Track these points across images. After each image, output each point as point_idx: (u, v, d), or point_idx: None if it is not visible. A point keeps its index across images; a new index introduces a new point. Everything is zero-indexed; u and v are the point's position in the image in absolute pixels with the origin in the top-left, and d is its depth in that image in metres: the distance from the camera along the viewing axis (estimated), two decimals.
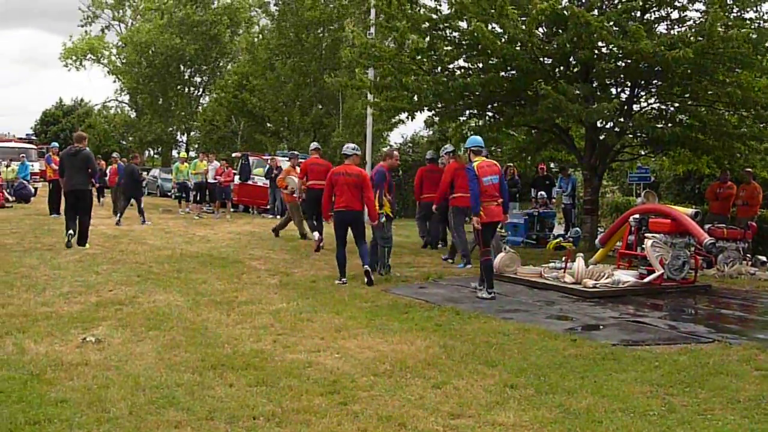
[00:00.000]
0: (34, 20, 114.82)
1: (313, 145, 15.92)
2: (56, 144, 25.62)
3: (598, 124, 15.32)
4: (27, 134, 44.30)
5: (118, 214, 19.69)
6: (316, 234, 14.64)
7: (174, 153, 55.82)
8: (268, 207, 24.39)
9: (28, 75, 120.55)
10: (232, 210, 24.37)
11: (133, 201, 20.72)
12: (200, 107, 50.92)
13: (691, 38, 12.97)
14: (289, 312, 8.51)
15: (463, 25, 14.96)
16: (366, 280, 10.70)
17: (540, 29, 14.51)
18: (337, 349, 6.85)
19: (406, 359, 6.52)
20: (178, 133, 52.48)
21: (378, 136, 31.82)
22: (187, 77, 50.14)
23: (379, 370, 6.18)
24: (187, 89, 51.01)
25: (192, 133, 51.44)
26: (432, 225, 15.60)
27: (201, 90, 51.83)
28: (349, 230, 11.19)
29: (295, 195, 15.68)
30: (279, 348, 6.87)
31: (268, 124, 37.98)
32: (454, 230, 13.65)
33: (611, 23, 13.66)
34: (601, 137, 15.68)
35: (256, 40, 39.01)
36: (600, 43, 13.72)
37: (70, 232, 13.76)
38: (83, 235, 13.93)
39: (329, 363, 6.39)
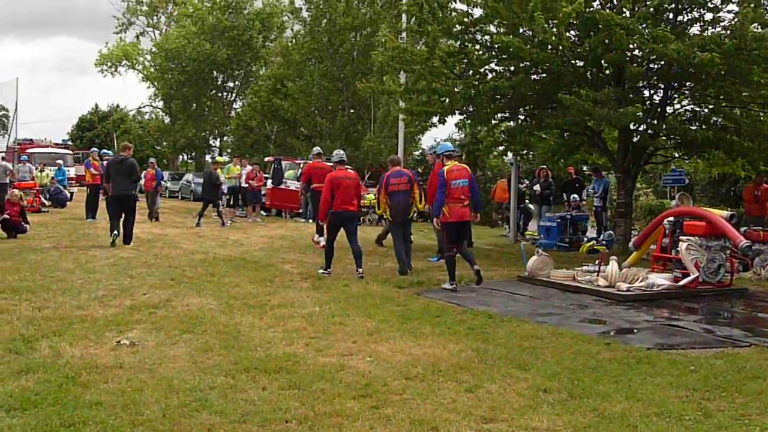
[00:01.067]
0: (71, 28, 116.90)
1: (315, 150, 16.54)
2: (96, 149, 25.95)
3: (631, 127, 15.17)
4: (63, 140, 44.97)
5: (198, 217, 20.31)
6: (321, 239, 14.79)
7: (208, 158, 56.30)
8: (301, 211, 24.45)
9: (66, 82, 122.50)
10: (264, 214, 24.48)
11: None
12: (233, 112, 51.23)
13: (725, 39, 12.81)
14: (322, 315, 8.51)
15: (493, 29, 14.94)
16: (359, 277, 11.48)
17: (571, 32, 14.43)
18: (369, 353, 6.84)
19: (439, 363, 6.49)
20: (211, 138, 52.82)
21: (410, 140, 31.78)
22: (219, 82, 50.46)
23: (411, 374, 6.16)
24: (220, 94, 51.35)
25: (225, 138, 51.76)
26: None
27: (234, 95, 52.14)
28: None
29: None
30: (311, 351, 6.88)
31: (301, 129, 38.13)
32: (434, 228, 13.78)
33: (642, 26, 13.56)
34: (635, 140, 15.55)
35: (290, 44, 39.18)
36: (631, 46, 13.60)
37: (115, 232, 14.76)
38: (128, 235, 15.07)
39: (361, 366, 6.38)
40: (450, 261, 10.87)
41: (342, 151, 12.77)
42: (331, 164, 12.93)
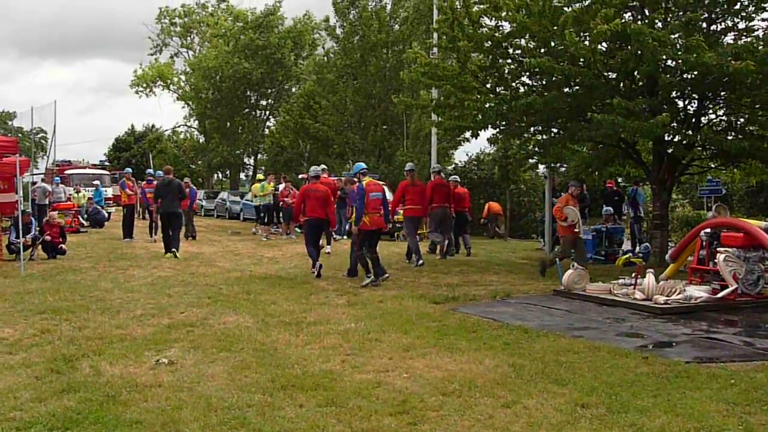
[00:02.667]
0: (108, 50, 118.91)
1: (318, 169, 16.31)
2: (130, 170, 26.26)
3: (666, 138, 15.05)
4: (101, 160, 45.67)
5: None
6: (328, 247, 17.04)
7: (242, 176, 56.79)
8: (335, 228, 24.49)
9: (103, 103, 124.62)
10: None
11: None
12: (266, 130, 51.64)
13: (759, 47, 12.69)
14: (358, 332, 8.53)
15: (524, 43, 14.95)
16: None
17: (602, 45, 14.37)
18: (405, 369, 6.84)
19: (475, 378, 6.47)
20: (245, 156, 53.25)
21: (443, 154, 31.85)
22: (253, 101, 50.91)
23: (447, 390, 6.15)
24: (253, 113, 51.80)
25: (259, 156, 52.16)
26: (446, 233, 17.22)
27: (267, 113, 52.56)
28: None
29: (576, 229, 13.63)
30: (348, 368, 6.89)
31: (334, 146, 38.35)
32: (408, 235, 16.41)
33: (675, 35, 13.47)
34: (669, 151, 15.41)
35: (323, 60, 39.53)
36: (663, 57, 13.51)
37: (173, 250, 16.73)
38: (176, 245, 16.98)
39: (398, 383, 6.38)
40: (362, 259, 12.57)
41: (318, 168, 14.71)
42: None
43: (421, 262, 15.00)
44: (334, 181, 18.43)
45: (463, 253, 18.29)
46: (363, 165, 13.71)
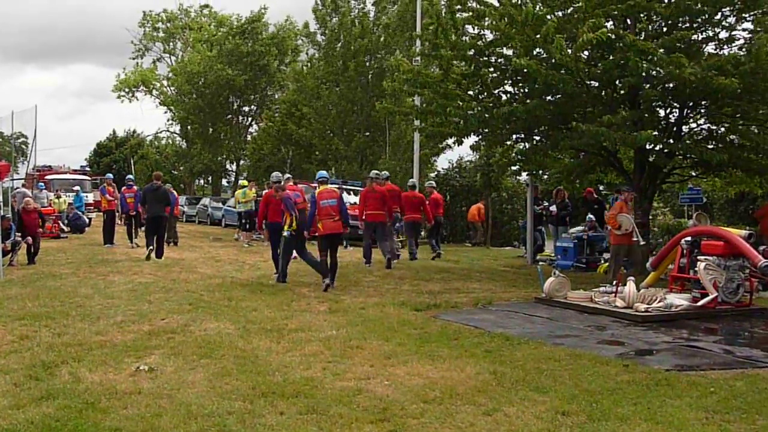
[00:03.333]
0: (92, 55, 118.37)
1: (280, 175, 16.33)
2: (111, 175, 26.08)
3: (647, 147, 15.13)
4: (81, 166, 45.30)
5: None
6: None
7: (224, 182, 56.61)
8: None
9: (84, 108, 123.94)
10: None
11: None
12: (249, 136, 51.52)
13: (742, 59, 12.79)
14: (339, 339, 8.52)
15: (507, 52, 15.00)
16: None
17: (584, 53, 14.45)
18: (386, 376, 6.84)
19: (456, 386, 6.48)
20: (227, 162, 53.11)
21: (425, 161, 31.89)
22: (236, 107, 50.80)
23: (429, 397, 6.15)
24: (236, 119, 51.68)
25: (241, 162, 52.02)
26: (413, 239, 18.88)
27: (250, 119, 52.46)
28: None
29: (634, 238, 13.34)
30: (329, 375, 6.88)
31: (316, 153, 38.32)
32: (364, 238, 17.41)
33: (656, 41, 13.56)
34: (651, 159, 15.50)
35: (304, 68, 39.49)
36: (646, 66, 13.59)
37: (151, 248, 17.14)
38: (160, 249, 17.54)
39: (379, 390, 6.38)
40: (323, 265, 13.12)
41: (279, 174, 15.27)
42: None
43: (369, 265, 16.43)
44: (301, 189, 18.77)
45: (427, 257, 18.99)
46: (323, 173, 14.52)
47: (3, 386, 6.45)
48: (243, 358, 7.57)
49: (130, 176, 25.12)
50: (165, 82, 58.19)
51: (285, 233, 13.51)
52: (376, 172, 18.29)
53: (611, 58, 13.45)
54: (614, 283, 11.45)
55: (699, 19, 14.38)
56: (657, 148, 15.21)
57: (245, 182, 27.22)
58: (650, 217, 18.03)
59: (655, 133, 14.24)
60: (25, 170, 40.53)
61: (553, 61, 13.61)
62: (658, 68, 13.19)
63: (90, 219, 29.96)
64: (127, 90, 58.57)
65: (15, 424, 5.47)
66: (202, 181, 61.02)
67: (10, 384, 6.52)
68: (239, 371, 6.98)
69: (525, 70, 13.77)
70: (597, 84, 14.74)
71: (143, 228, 20.84)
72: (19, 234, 16.47)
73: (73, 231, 26.42)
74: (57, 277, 14.08)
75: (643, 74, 13.48)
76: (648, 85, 13.87)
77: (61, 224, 25.58)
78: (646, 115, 14.56)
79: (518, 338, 8.65)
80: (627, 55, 12.81)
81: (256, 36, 46.97)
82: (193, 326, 9.25)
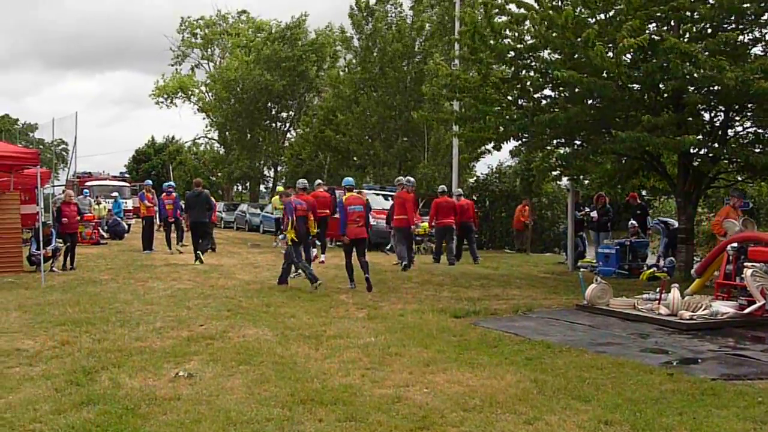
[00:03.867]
0: (131, 62, 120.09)
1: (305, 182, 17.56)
2: (150, 182, 26.39)
3: (691, 151, 14.95)
4: (121, 172, 45.89)
5: None
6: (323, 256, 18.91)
7: (262, 188, 57.00)
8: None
9: (124, 115, 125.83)
10: (318, 243, 24.52)
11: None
12: (287, 142, 51.79)
13: None
14: (377, 346, 8.53)
15: (546, 56, 14.92)
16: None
17: (626, 56, 14.32)
18: (425, 384, 6.83)
19: (497, 394, 6.45)
20: (265, 168, 53.43)
21: (464, 166, 31.80)
22: (274, 113, 51.08)
23: (468, 406, 6.13)
24: (274, 124, 51.97)
25: (279, 168, 52.31)
26: (449, 244, 19.53)
27: (288, 125, 52.73)
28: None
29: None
30: (367, 382, 6.89)
31: (354, 158, 38.41)
32: (396, 243, 18.60)
33: (701, 44, 13.38)
34: (695, 163, 15.31)
35: (341, 73, 39.61)
36: (690, 70, 13.43)
37: (198, 252, 18.24)
38: (203, 251, 18.55)
39: (418, 398, 6.37)
40: (347, 263, 13.98)
41: (304, 181, 16.40)
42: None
43: (409, 267, 17.12)
44: (329, 196, 20.37)
45: (466, 263, 19.36)
46: (350, 180, 15.54)
47: (44, 391, 6.55)
48: (281, 364, 7.60)
49: (170, 183, 25.41)
50: (203, 88, 58.82)
51: (287, 239, 14.05)
52: (408, 178, 19.26)
53: (653, 61, 13.31)
54: (658, 290, 11.31)
55: (745, 20, 14.18)
56: (701, 152, 15.03)
57: (281, 188, 27.38)
58: (694, 223, 17.78)
59: (699, 137, 14.05)
60: (66, 177, 41.25)
61: (594, 65, 13.52)
62: (701, 71, 13.02)
63: (129, 225, 30.35)
64: (165, 96, 59.29)
65: (56, 429, 5.55)
66: (240, 187, 61.47)
67: (51, 389, 6.62)
68: (278, 378, 7.02)
69: (567, 79, 13.69)
70: (639, 87, 14.59)
71: (183, 234, 21.33)
72: (60, 240, 16.75)
73: (112, 237, 26.80)
74: (97, 283, 14.29)
75: (687, 77, 13.33)
76: (692, 89, 13.70)
77: (100, 230, 25.93)
78: (690, 118, 14.39)
79: (559, 346, 8.59)
80: (669, 58, 12.67)
81: (295, 42, 47.22)
82: (232, 332, 9.32)
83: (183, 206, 21.25)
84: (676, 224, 17.57)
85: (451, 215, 19.34)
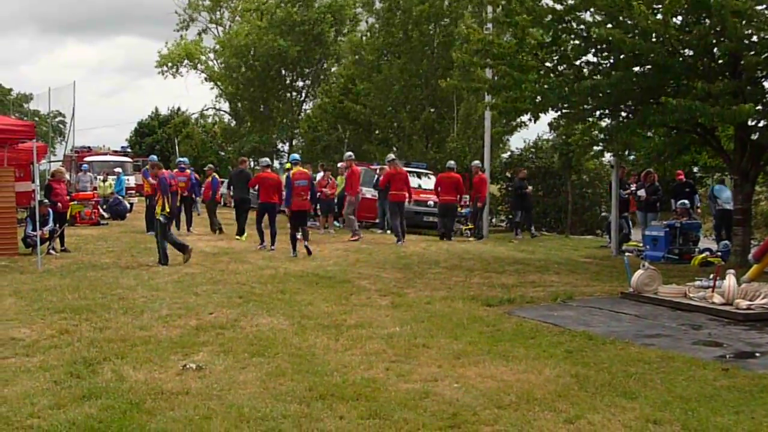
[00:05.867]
0: (134, 26, 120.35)
1: (390, 156, 20.86)
2: (154, 157, 26.39)
3: (749, 122, 14.77)
4: (122, 147, 46.01)
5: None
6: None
7: (277, 163, 57.04)
8: (377, 221, 24.49)
9: (127, 85, 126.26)
10: (337, 225, 24.62)
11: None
12: (303, 114, 51.75)
13: None
14: (403, 337, 8.54)
15: (589, 17, 14.77)
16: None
17: (678, 18, 14.15)
18: (456, 378, 6.83)
19: (534, 390, 6.44)
20: (279, 142, 53.41)
21: (497, 141, 31.65)
22: (288, 81, 50.99)
23: (503, 402, 6.13)
24: (288, 94, 51.90)
25: (294, 142, 52.31)
26: (447, 220, 21.65)
27: (304, 95, 52.64)
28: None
29: None
30: (392, 376, 6.90)
31: (376, 131, 38.30)
32: (390, 217, 20.78)
33: (763, 6, 13.19)
34: (753, 137, 15.14)
35: (364, 38, 39.43)
36: (747, 32, 13.25)
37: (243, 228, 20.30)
38: (242, 228, 20.40)
39: (448, 393, 6.37)
40: (293, 238, 16.59)
41: (267, 159, 19.73)
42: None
43: (400, 242, 19.20)
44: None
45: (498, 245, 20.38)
46: (297, 156, 19.32)
47: (43, 384, 6.62)
48: (298, 356, 7.63)
49: (183, 159, 25.48)
50: (211, 56, 58.79)
51: (159, 217, 15.00)
52: (392, 155, 22.02)
53: (707, 21, 13.13)
54: (711, 276, 11.24)
55: None
56: (760, 123, 14.85)
57: (289, 165, 27.40)
58: (752, 203, 17.62)
59: (759, 107, 13.86)
60: (63, 151, 41.46)
61: (641, 27, 13.37)
62: (760, 33, 12.84)
63: (132, 204, 30.43)
64: (170, 65, 59.24)
65: (55, 425, 5.60)
66: (252, 163, 61.61)
67: (50, 382, 6.69)
68: (294, 371, 7.04)
69: (609, 40, 13.56)
70: (691, 53, 14.42)
71: (192, 218, 21.80)
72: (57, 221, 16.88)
73: (113, 217, 26.85)
74: (97, 267, 14.40)
75: (744, 41, 13.14)
76: (751, 53, 13.52)
77: (100, 210, 26.01)
78: (749, 87, 14.20)
79: (603, 337, 8.56)
80: (723, 16, 12.48)
81: (311, 3, 47.00)
82: (244, 321, 9.37)
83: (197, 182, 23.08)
84: (728, 204, 17.50)
85: (453, 192, 21.23)
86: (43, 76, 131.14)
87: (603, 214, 23.14)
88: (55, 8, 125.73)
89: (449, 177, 21.27)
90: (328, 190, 23.14)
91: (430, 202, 23.46)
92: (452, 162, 22.76)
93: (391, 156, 21.66)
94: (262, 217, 18.09)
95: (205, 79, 58.98)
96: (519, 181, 24.67)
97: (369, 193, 24.89)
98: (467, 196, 23.23)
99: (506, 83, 15.94)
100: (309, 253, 16.16)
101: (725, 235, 17.86)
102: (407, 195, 20.16)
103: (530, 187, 24.47)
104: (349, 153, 22.75)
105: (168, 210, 15.08)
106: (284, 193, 17.56)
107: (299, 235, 16.72)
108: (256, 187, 19.39)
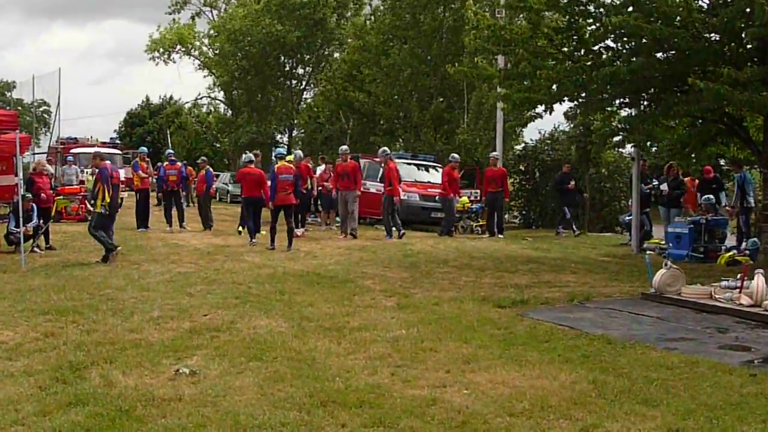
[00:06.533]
0: (125, 9, 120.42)
1: (247, 157, 20.45)
2: (144, 149, 26.41)
3: None
4: (111, 138, 46.19)
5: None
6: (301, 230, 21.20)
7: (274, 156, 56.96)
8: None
9: (117, 71, 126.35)
10: (338, 220, 24.59)
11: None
12: (303, 103, 51.74)
13: None
14: (409, 340, 8.54)
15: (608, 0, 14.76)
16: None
17: (703, 1, 14.11)
18: (465, 384, 6.84)
19: (548, 397, 6.45)
20: (278, 133, 53.42)
21: (510, 132, 31.64)
22: (288, 69, 50.98)
23: (515, 410, 6.13)
24: (288, 82, 51.89)
25: (294, 133, 52.35)
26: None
27: (304, 83, 52.61)
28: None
29: None
30: (398, 382, 6.91)
31: (381, 122, 38.30)
32: (384, 212, 21.09)
33: None
34: None
35: (367, 22, 39.45)
36: None
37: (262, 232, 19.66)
38: (257, 227, 19.63)
39: (457, 400, 6.38)
40: (271, 226, 17.90)
41: (250, 154, 20.44)
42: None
43: (389, 238, 20.11)
44: (306, 165, 22.63)
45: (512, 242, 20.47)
46: (282, 150, 21.01)
47: (27, 389, 6.64)
48: (298, 360, 7.65)
49: (171, 150, 25.48)
50: (205, 41, 58.73)
51: (100, 209, 15.09)
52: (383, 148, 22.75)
53: (732, 5, 13.10)
54: (739, 276, 11.23)
55: None
56: None
57: (290, 157, 27.41)
58: None
59: None
60: (48, 143, 41.54)
61: (663, 11, 13.34)
62: None
63: (122, 199, 30.39)
64: (161, 50, 59.15)
65: None
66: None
67: (34, 387, 6.71)
68: (294, 376, 7.06)
69: (627, 27, 13.53)
70: (718, 37, 14.38)
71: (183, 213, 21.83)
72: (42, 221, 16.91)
73: None
74: (85, 266, 14.44)
75: None
76: None
77: (88, 205, 25.98)
78: None
79: (622, 341, 8.55)
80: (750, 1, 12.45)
81: None
82: (241, 323, 9.38)
83: (186, 175, 23.29)
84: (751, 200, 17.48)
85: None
86: (28, 63, 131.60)
87: (624, 217, 23.06)
88: None
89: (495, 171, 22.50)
90: (329, 185, 23.09)
91: (438, 197, 23.43)
92: (455, 155, 23.31)
93: (386, 150, 22.22)
94: (247, 212, 19.27)
95: (199, 66, 59.06)
96: (562, 175, 24.34)
97: (374, 187, 24.82)
98: (477, 191, 23.28)
99: (521, 70, 15.91)
100: (289, 245, 17.33)
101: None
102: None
103: (573, 182, 24.17)
104: (344, 147, 23.06)
105: (108, 202, 15.08)
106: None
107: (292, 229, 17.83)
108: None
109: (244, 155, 21.08)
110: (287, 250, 16.91)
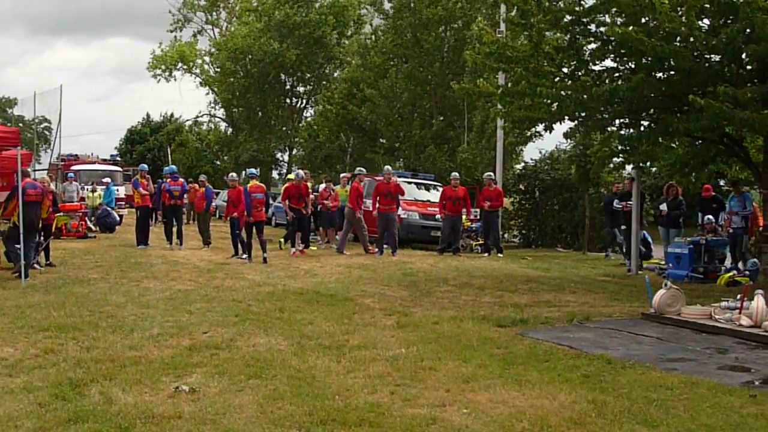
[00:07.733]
0: (126, 27, 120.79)
1: (232, 176, 21.29)
2: (145, 166, 26.39)
3: None
4: (112, 155, 46.11)
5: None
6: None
7: (275, 174, 57.02)
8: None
9: (118, 89, 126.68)
10: (337, 238, 24.57)
11: None
12: (303, 121, 51.78)
13: None
14: (409, 359, 8.54)
15: (609, 19, 14.80)
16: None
17: (704, 20, 14.16)
18: (465, 404, 6.84)
19: (548, 416, 6.45)
20: (278, 151, 53.44)
21: (511, 151, 31.67)
22: (288, 87, 51.07)
23: (515, 429, 6.14)
24: (288, 100, 51.96)
25: (294, 151, 52.38)
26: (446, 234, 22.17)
27: (304, 101, 52.67)
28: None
29: None
30: (398, 401, 6.91)
31: (381, 140, 38.35)
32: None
33: None
34: None
35: (368, 41, 39.55)
36: None
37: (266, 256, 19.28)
38: (263, 248, 19.55)
39: (456, 420, 6.38)
40: (247, 243, 19.27)
41: (233, 174, 21.65)
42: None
43: (379, 254, 20.53)
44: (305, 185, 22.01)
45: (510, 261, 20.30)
46: (254, 171, 24.48)
47: (26, 406, 6.63)
48: (297, 378, 7.65)
49: (172, 167, 25.47)
50: (207, 59, 58.83)
51: (9, 225, 15.46)
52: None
53: (735, 24, 13.15)
54: (738, 297, 11.23)
55: None
56: None
57: (292, 176, 27.43)
58: None
59: None
60: (49, 159, 41.56)
61: (664, 30, 13.39)
62: None
63: (121, 216, 30.45)
64: (163, 68, 59.20)
65: None
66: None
67: (34, 404, 6.70)
68: (293, 394, 7.06)
69: (628, 43, 13.57)
70: (718, 57, 14.43)
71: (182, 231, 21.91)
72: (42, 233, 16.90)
73: (101, 230, 26.87)
74: (84, 282, 14.43)
75: None
76: None
77: (88, 222, 26.03)
78: None
79: (622, 361, 8.55)
80: (752, 17, 12.48)
81: (311, 4, 47.06)
82: (240, 341, 9.39)
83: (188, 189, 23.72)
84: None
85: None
86: (30, 80, 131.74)
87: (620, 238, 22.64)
88: (45, 8, 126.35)
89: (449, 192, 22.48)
90: (330, 203, 23.12)
91: (438, 216, 23.33)
92: (455, 174, 23.23)
93: (388, 168, 22.87)
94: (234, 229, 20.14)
95: (200, 83, 59.06)
96: (609, 196, 22.90)
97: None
98: (476, 210, 23.28)
99: (520, 89, 15.96)
100: (265, 261, 18.46)
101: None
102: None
103: (626, 202, 22.47)
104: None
105: (15, 219, 14.94)
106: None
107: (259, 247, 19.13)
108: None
109: (229, 174, 21.94)
110: (263, 263, 18.10)
